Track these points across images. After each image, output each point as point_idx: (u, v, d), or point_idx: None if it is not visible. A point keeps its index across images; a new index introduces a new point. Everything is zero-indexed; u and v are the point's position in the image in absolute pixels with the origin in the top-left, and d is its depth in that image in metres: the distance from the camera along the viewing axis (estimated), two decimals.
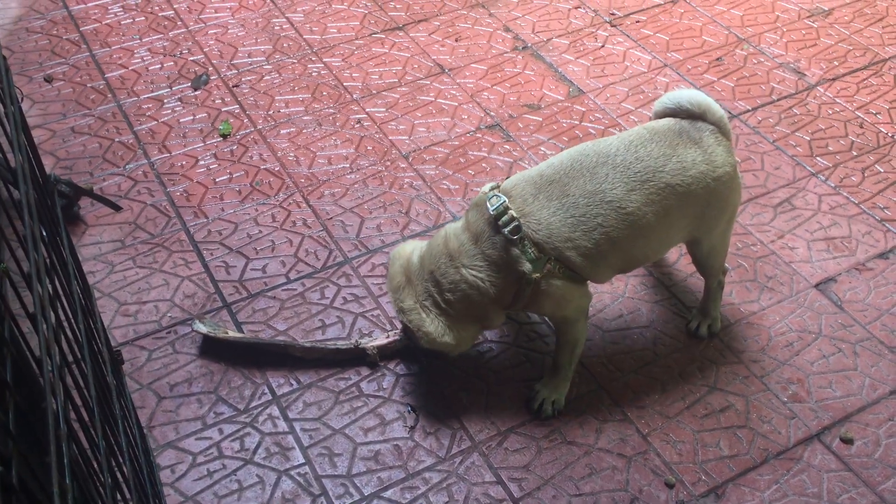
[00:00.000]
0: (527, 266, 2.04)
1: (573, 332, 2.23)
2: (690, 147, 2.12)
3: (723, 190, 2.16)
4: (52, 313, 1.14)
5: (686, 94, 2.18)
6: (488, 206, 2.08)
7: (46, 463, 0.89)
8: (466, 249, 2.10)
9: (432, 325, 2.15)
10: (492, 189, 2.14)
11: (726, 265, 2.46)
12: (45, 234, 1.37)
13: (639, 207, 2.06)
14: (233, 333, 2.43)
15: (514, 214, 2.05)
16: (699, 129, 2.15)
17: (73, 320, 1.39)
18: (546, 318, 2.48)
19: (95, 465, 1.29)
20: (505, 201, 2.06)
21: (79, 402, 1.32)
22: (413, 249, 2.25)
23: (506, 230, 2.04)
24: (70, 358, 1.32)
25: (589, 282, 2.18)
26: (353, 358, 2.40)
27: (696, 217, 2.17)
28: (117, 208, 2.62)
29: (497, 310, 2.16)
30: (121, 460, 1.53)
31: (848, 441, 2.23)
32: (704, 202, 2.14)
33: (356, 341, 2.40)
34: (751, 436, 2.25)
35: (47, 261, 1.26)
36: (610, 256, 2.09)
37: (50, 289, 1.31)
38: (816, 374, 2.39)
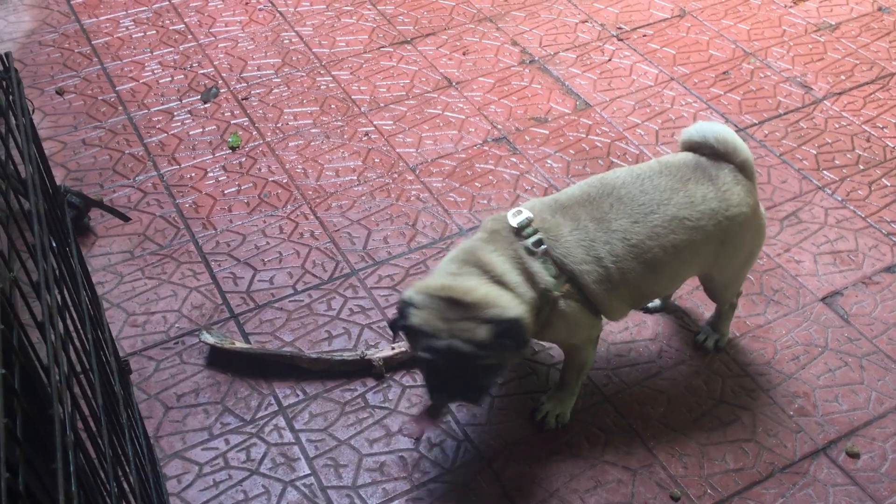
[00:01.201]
0: (549, 281, 1.99)
1: (581, 357, 2.23)
2: (703, 183, 2.08)
3: (737, 230, 2.12)
4: (59, 322, 1.16)
5: (714, 130, 2.12)
6: (510, 220, 2.04)
7: (53, 470, 0.90)
8: (500, 254, 1.99)
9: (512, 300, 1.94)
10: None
11: (741, 288, 2.43)
12: (54, 244, 1.39)
13: (643, 240, 2.03)
14: (240, 344, 2.44)
15: (537, 228, 2.02)
16: (718, 167, 2.11)
17: (81, 330, 1.41)
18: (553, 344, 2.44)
19: (102, 474, 1.30)
20: (529, 216, 2.04)
21: (86, 411, 1.33)
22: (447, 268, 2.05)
23: (529, 241, 2.00)
24: (78, 367, 1.34)
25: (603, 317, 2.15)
26: (359, 369, 2.41)
27: (710, 255, 2.13)
28: (126, 219, 2.65)
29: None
30: (127, 470, 1.54)
31: (854, 455, 2.23)
32: (718, 240, 2.11)
33: (362, 352, 2.41)
34: (757, 449, 2.25)
35: (56, 270, 1.27)
36: (621, 287, 2.06)
37: (59, 298, 1.33)
38: (823, 388, 2.39)
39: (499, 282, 1.96)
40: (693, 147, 2.16)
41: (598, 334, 2.22)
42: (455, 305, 1.90)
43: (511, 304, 1.93)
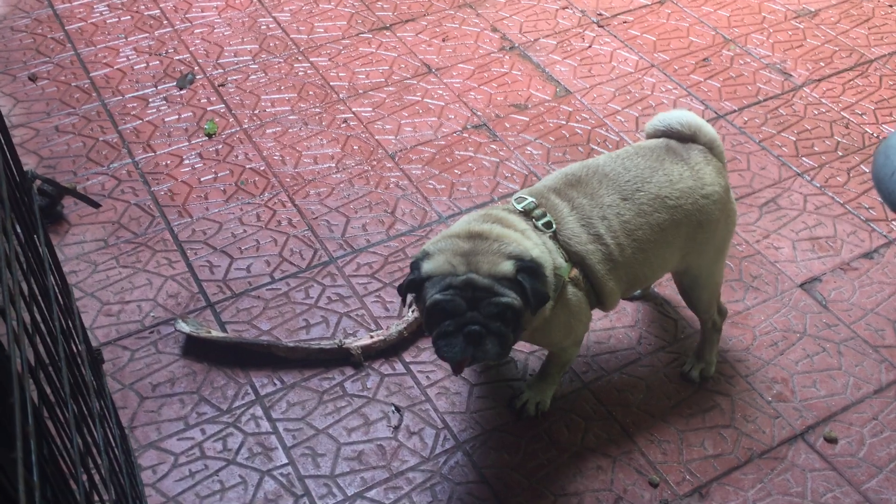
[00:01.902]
0: (561, 263, 1.96)
1: (566, 356, 2.22)
2: (678, 163, 2.09)
3: (713, 210, 2.10)
4: (23, 307, 1.13)
5: (676, 115, 2.15)
6: (514, 204, 2.01)
7: (12, 459, 0.87)
8: (533, 232, 1.96)
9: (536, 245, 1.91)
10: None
11: (725, 306, 2.36)
12: (19, 229, 1.35)
13: (633, 217, 2.02)
14: (216, 333, 2.41)
15: (545, 211, 1.99)
16: (688, 147, 2.12)
17: (48, 317, 1.38)
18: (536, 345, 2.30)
19: (70, 465, 1.27)
20: (533, 200, 2.01)
21: (54, 400, 1.30)
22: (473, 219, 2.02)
23: (540, 222, 1.97)
24: (45, 355, 1.31)
25: (595, 309, 2.11)
26: (338, 358, 2.39)
27: (688, 238, 2.10)
28: (96, 205, 2.61)
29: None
30: (98, 460, 1.51)
31: (832, 440, 2.23)
32: (696, 222, 2.08)
33: (340, 341, 2.39)
34: (735, 435, 2.25)
35: (20, 255, 1.24)
36: (619, 269, 2.04)
37: (25, 286, 1.30)
38: (801, 374, 2.39)
39: (522, 234, 1.93)
40: (658, 136, 2.17)
41: (586, 333, 2.20)
42: (477, 239, 1.84)
43: (535, 249, 1.88)
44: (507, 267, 1.81)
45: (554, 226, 1.98)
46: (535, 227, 1.97)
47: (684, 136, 2.14)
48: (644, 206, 2.03)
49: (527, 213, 1.99)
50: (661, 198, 2.04)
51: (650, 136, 2.20)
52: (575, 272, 1.98)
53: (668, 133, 2.15)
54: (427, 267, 1.84)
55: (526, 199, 2.03)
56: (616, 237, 2.01)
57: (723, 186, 2.12)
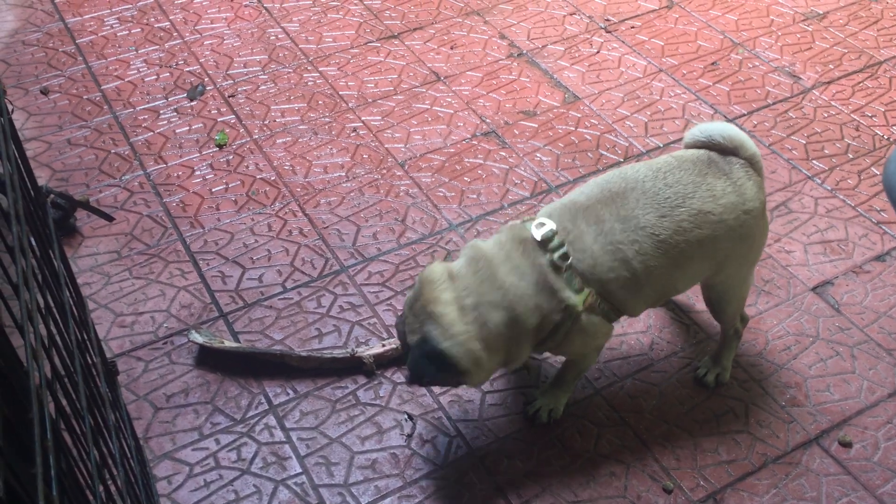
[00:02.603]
0: (572, 298, 1.94)
1: (585, 362, 2.22)
2: (720, 177, 2.04)
3: (753, 226, 2.08)
4: (40, 322, 1.14)
5: (719, 127, 2.09)
6: (533, 232, 1.96)
7: (32, 474, 0.88)
8: (519, 260, 1.95)
9: (464, 327, 1.90)
10: (525, 221, 2.03)
11: (746, 313, 2.36)
12: (35, 244, 1.37)
13: (671, 235, 1.98)
14: (229, 343, 2.42)
15: (563, 240, 1.96)
16: (729, 161, 2.07)
17: (64, 331, 1.39)
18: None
19: (87, 477, 1.28)
20: (553, 227, 1.96)
21: (70, 414, 1.32)
22: (449, 266, 2.02)
23: (555, 255, 1.93)
24: (61, 369, 1.32)
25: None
26: (350, 367, 2.39)
27: (727, 253, 2.07)
28: (110, 219, 2.63)
29: (528, 346, 2.01)
30: (115, 472, 1.53)
31: (846, 444, 2.22)
32: (738, 236, 2.06)
33: (353, 350, 2.40)
34: (749, 440, 2.24)
35: (36, 270, 1.26)
36: (646, 288, 2.02)
37: (41, 299, 1.31)
38: (814, 378, 2.38)
39: (473, 306, 1.92)
40: (698, 146, 2.12)
41: (607, 341, 2.18)
42: (419, 301, 1.97)
43: (451, 334, 1.89)
44: (414, 339, 1.97)
45: (570, 258, 1.94)
46: (551, 261, 1.93)
47: (726, 150, 2.08)
48: (684, 223, 1.99)
49: (545, 243, 1.95)
50: (704, 213, 2.00)
51: (689, 146, 2.14)
52: (591, 300, 1.97)
53: (709, 145, 2.09)
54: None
55: (546, 225, 1.97)
56: (646, 260, 1.97)
57: (762, 202, 2.10)
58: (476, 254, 1.99)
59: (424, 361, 1.94)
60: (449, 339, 1.90)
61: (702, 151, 2.09)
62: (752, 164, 2.09)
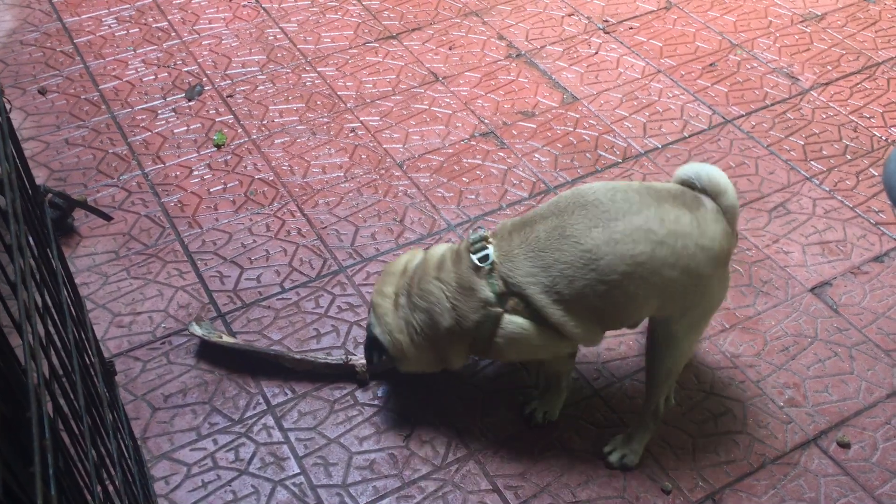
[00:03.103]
0: (489, 295, 1.98)
1: (552, 368, 2.22)
2: (681, 208, 1.92)
3: (706, 268, 1.92)
4: (38, 321, 1.14)
5: (706, 170, 1.98)
6: (470, 234, 2.07)
7: (31, 474, 0.88)
8: (447, 267, 2.06)
9: (394, 320, 2.11)
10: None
11: (673, 398, 2.25)
12: (32, 243, 1.37)
13: (598, 246, 1.90)
14: (227, 339, 2.42)
15: (489, 245, 2.02)
16: (702, 199, 1.95)
17: (62, 330, 1.39)
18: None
19: (85, 477, 1.28)
20: (485, 232, 2.05)
21: (69, 413, 1.31)
22: (419, 254, 2.22)
23: (476, 256, 2.00)
24: (59, 368, 1.32)
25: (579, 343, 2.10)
26: (343, 374, 2.39)
27: (673, 283, 1.93)
28: (108, 218, 2.62)
29: (458, 349, 2.09)
30: (113, 472, 1.52)
31: (845, 445, 2.22)
32: (685, 268, 1.91)
33: (347, 358, 2.39)
34: (748, 441, 2.24)
35: (35, 270, 1.25)
36: (576, 303, 1.95)
37: (39, 299, 1.31)
38: (813, 379, 2.38)
39: (407, 305, 2.11)
40: (684, 184, 2.02)
41: (570, 352, 2.17)
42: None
43: (387, 324, 2.12)
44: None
45: (492, 258, 2.00)
46: (473, 262, 2.01)
47: (706, 193, 1.98)
48: (617, 235, 1.89)
49: (471, 247, 2.05)
50: (645, 230, 1.89)
51: (676, 181, 2.04)
52: (513, 302, 1.98)
53: (692, 185, 1.99)
54: None
55: (480, 231, 2.07)
56: (567, 268, 1.93)
57: (725, 251, 1.96)
58: (427, 255, 2.16)
59: (368, 344, 2.19)
60: (379, 328, 2.14)
61: (678, 186, 2.00)
62: (727, 214, 1.96)
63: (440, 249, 2.16)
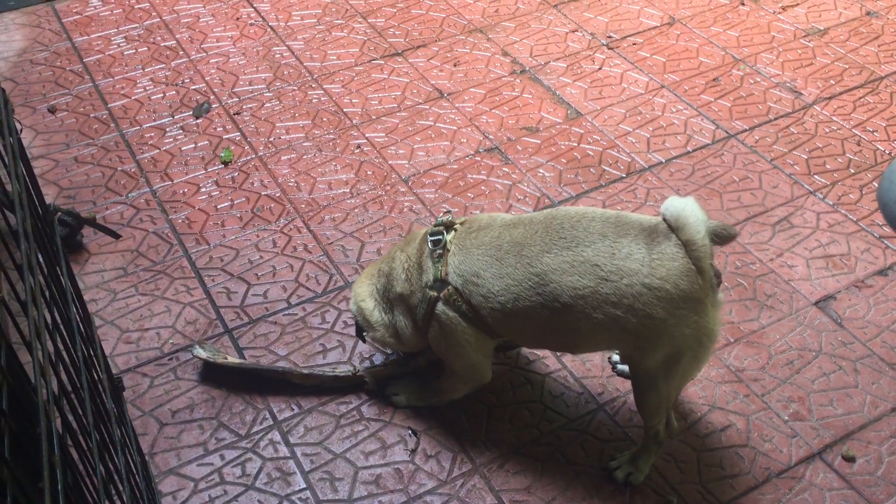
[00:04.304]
0: (429, 279, 2.08)
1: (451, 383, 2.27)
2: (639, 244, 1.86)
3: (656, 309, 1.84)
4: (48, 338, 1.16)
5: (672, 204, 1.86)
6: (439, 216, 2.17)
7: (40, 489, 0.90)
8: (415, 243, 2.18)
9: (362, 287, 2.29)
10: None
11: (675, 425, 2.19)
12: (42, 261, 1.39)
13: (546, 272, 1.90)
14: (232, 359, 2.44)
15: (453, 230, 2.11)
16: (665, 235, 1.86)
17: (71, 347, 1.41)
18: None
19: (94, 493, 1.29)
20: (448, 219, 2.14)
21: (77, 429, 1.33)
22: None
23: (430, 239, 2.11)
24: (68, 385, 1.34)
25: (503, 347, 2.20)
26: (352, 385, 2.40)
27: (619, 325, 1.88)
28: (116, 236, 2.65)
29: (409, 324, 2.18)
30: (121, 487, 1.54)
31: (850, 459, 2.23)
32: (631, 311, 1.85)
33: (355, 368, 2.41)
34: (752, 455, 2.24)
35: (44, 287, 1.27)
36: (514, 318, 1.98)
37: (48, 316, 1.33)
38: (817, 392, 2.39)
39: (385, 275, 2.24)
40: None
41: (483, 374, 2.22)
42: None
43: (357, 295, 2.29)
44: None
45: (443, 244, 2.08)
46: (431, 243, 2.11)
47: (670, 226, 1.86)
48: (565, 265, 1.89)
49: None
50: (592, 264, 1.87)
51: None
52: (449, 292, 2.05)
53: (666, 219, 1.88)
54: None
55: (449, 216, 2.15)
56: (515, 285, 1.95)
57: (681, 291, 1.83)
58: (407, 236, 2.29)
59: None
60: (352, 297, 2.32)
61: (653, 220, 1.92)
62: (689, 251, 1.83)
63: (421, 231, 2.27)
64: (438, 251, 2.08)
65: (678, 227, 1.84)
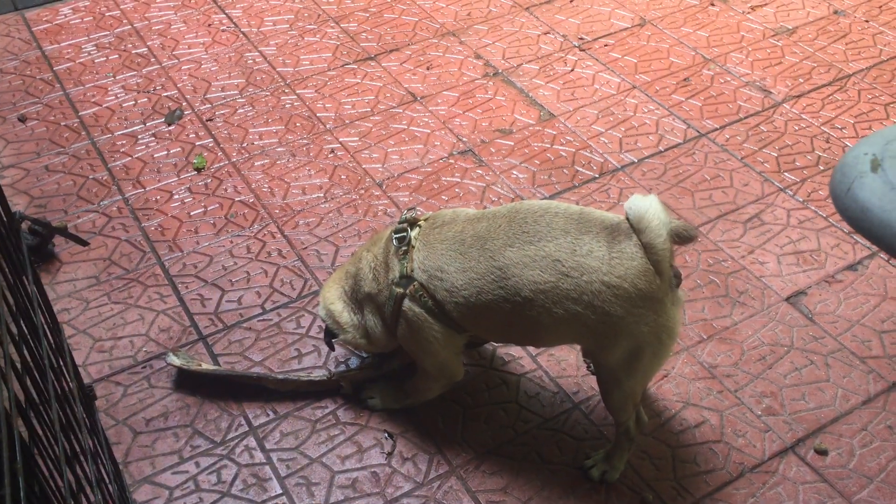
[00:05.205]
0: (394, 277, 2.09)
1: (424, 382, 2.27)
2: (600, 241, 1.87)
3: (614, 307, 1.85)
4: (11, 346, 1.15)
5: (635, 204, 1.85)
6: (403, 213, 2.17)
7: (1, 496, 0.89)
8: (382, 242, 2.18)
9: (330, 291, 2.29)
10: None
11: (645, 418, 2.19)
12: (7, 269, 1.38)
13: (508, 266, 1.92)
14: (206, 366, 2.43)
15: (417, 227, 2.12)
16: (626, 234, 1.86)
17: (38, 355, 1.40)
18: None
19: (61, 501, 1.28)
20: (413, 215, 2.15)
21: (45, 438, 1.32)
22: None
23: (395, 236, 2.11)
24: (34, 394, 1.33)
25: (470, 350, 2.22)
26: (328, 389, 2.40)
27: (578, 321, 1.90)
28: (85, 243, 2.63)
29: (378, 322, 2.18)
30: (91, 497, 1.53)
31: (822, 452, 2.25)
32: (590, 308, 1.87)
33: (330, 373, 2.40)
34: (726, 450, 2.26)
35: (7, 295, 1.26)
36: (478, 312, 1.99)
37: (14, 327, 1.32)
38: (789, 387, 2.41)
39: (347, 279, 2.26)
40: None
41: (453, 373, 2.22)
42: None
43: (326, 299, 2.29)
44: None
45: (407, 242, 2.09)
46: (395, 241, 2.11)
47: (633, 227, 1.86)
48: (526, 259, 1.91)
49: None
50: (553, 259, 1.88)
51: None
52: (415, 288, 2.06)
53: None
54: None
55: (414, 212, 2.17)
56: (478, 280, 1.97)
57: (640, 291, 1.84)
58: (373, 237, 2.29)
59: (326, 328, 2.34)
60: (322, 302, 2.31)
61: (616, 218, 1.93)
62: (649, 252, 1.84)
63: (387, 231, 2.27)
64: (403, 248, 2.09)
65: (640, 230, 1.84)
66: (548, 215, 1.95)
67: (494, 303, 1.96)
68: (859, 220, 1.74)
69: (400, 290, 2.08)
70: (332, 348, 2.41)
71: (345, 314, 2.25)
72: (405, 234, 2.11)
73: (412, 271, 2.07)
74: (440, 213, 2.16)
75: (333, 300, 2.27)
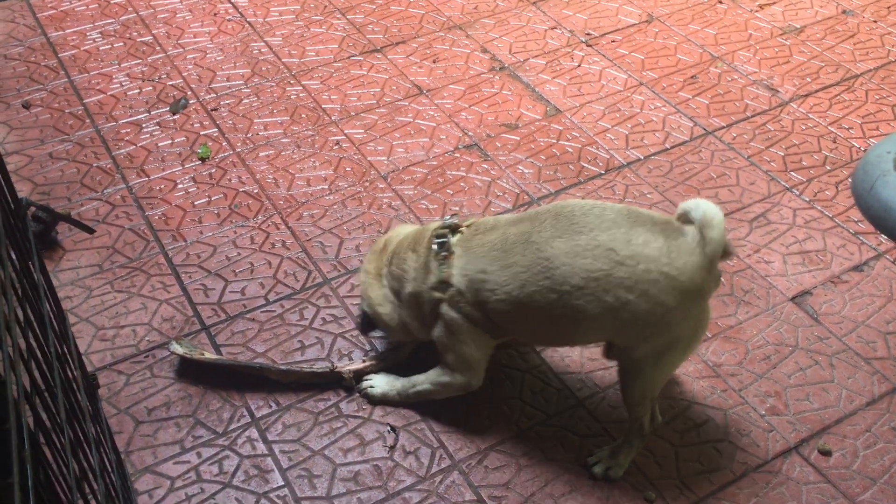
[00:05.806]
0: (432, 281, 2.11)
1: (444, 377, 2.25)
2: (655, 234, 1.90)
3: (668, 297, 1.89)
4: (19, 334, 1.14)
5: (704, 204, 1.91)
6: (445, 218, 2.20)
7: (9, 484, 0.88)
8: (424, 242, 2.18)
9: (375, 291, 2.28)
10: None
11: (659, 416, 2.22)
12: (14, 256, 1.37)
13: (557, 255, 1.92)
14: (209, 355, 2.42)
15: (459, 233, 2.13)
16: (684, 231, 1.92)
17: (44, 343, 1.39)
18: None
19: (67, 490, 1.28)
20: (455, 222, 2.16)
21: (50, 426, 1.31)
22: (400, 229, 2.38)
23: (435, 241, 2.12)
24: (41, 381, 1.32)
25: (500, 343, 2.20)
26: (330, 381, 2.39)
27: (630, 311, 1.91)
28: (91, 231, 2.62)
29: (417, 314, 2.20)
30: (95, 485, 1.52)
31: (826, 453, 2.24)
32: (644, 296, 1.89)
33: (333, 365, 2.40)
34: (730, 450, 2.26)
35: (16, 282, 1.26)
36: (520, 309, 1.99)
37: (20, 311, 1.31)
38: (794, 387, 2.40)
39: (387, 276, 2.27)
40: (682, 218, 1.97)
41: (475, 376, 2.21)
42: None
43: (370, 298, 2.29)
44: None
45: (447, 247, 2.10)
46: (433, 248, 2.13)
47: (699, 222, 1.91)
48: (578, 248, 1.91)
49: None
50: (607, 248, 1.89)
51: (678, 213, 1.99)
52: (453, 293, 2.08)
53: (684, 218, 1.95)
54: None
55: (454, 219, 2.18)
56: (524, 272, 1.97)
57: (695, 285, 1.90)
58: (406, 232, 2.30)
59: (361, 319, 2.37)
60: (366, 303, 2.31)
61: (665, 216, 1.98)
62: (709, 247, 1.88)
63: (410, 228, 2.33)
64: (443, 253, 2.10)
65: (707, 225, 1.89)
66: (596, 209, 1.99)
67: (539, 293, 1.97)
68: (882, 219, 1.73)
69: (438, 294, 2.10)
70: (366, 335, 2.47)
71: (391, 312, 2.27)
72: (445, 239, 2.12)
73: (451, 277, 2.08)
74: (482, 220, 2.16)
75: (381, 301, 2.28)
